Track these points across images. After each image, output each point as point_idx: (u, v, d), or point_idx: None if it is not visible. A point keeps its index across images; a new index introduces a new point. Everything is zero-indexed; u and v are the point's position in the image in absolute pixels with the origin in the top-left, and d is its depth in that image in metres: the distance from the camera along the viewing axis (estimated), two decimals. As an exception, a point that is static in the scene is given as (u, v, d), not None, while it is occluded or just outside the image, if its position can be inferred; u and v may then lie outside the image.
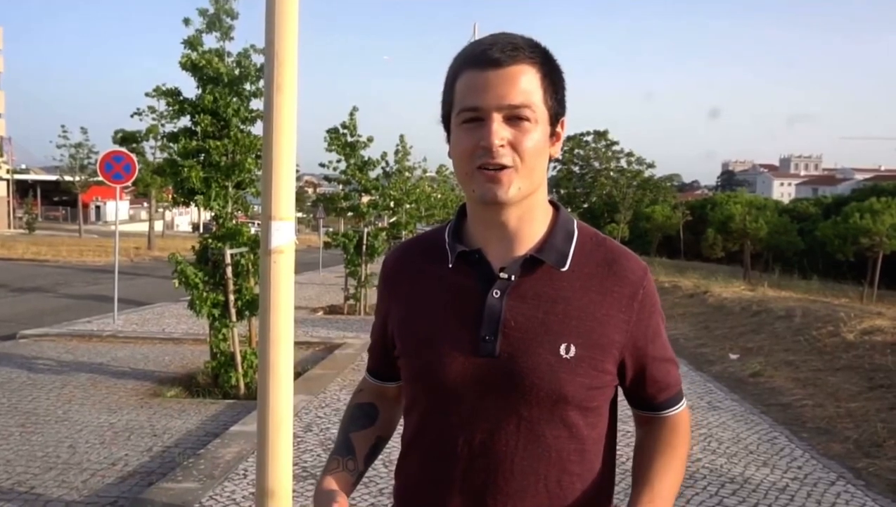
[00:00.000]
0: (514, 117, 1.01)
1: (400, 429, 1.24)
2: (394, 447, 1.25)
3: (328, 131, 11.97)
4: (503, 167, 1.01)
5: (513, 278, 1.07)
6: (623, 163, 59.49)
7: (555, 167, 64.52)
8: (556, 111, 1.07)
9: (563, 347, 1.04)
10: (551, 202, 1.15)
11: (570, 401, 1.05)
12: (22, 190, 53.08)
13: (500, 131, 1.00)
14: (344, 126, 11.98)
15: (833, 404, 6.25)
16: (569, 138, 62.83)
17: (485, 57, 1.02)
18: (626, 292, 1.08)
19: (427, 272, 1.14)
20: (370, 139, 12.31)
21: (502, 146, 1.01)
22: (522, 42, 1.04)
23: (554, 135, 1.08)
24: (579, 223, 1.14)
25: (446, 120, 1.08)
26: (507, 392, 1.05)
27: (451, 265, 1.11)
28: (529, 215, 1.08)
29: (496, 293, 1.06)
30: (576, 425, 1.07)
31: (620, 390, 1.17)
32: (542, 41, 1.08)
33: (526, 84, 1.02)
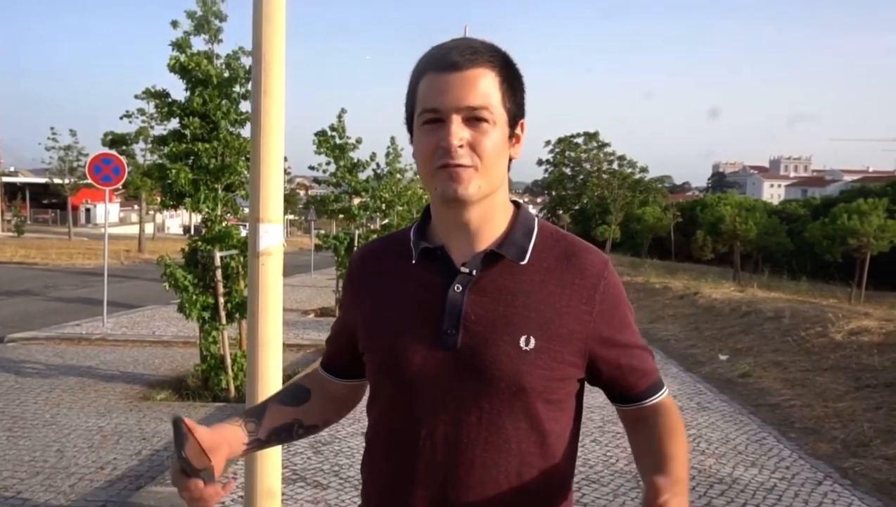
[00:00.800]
0: (473, 119, 1.04)
1: (352, 428, 1.25)
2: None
3: (316, 134, 11.96)
4: (464, 167, 1.05)
5: (474, 272, 1.10)
6: (615, 166, 59.72)
7: (546, 169, 64.72)
8: (515, 113, 1.10)
9: (522, 338, 1.06)
10: (513, 202, 1.18)
11: (531, 393, 1.07)
12: (10, 193, 52.69)
13: (459, 132, 1.04)
14: (332, 128, 11.97)
15: (821, 404, 6.30)
16: (560, 140, 63.05)
17: (445, 60, 1.05)
18: (586, 283, 1.10)
19: (392, 269, 1.17)
20: (359, 141, 12.32)
21: (461, 146, 1.04)
22: (482, 47, 1.07)
23: (513, 137, 1.11)
24: (540, 221, 1.17)
25: (410, 121, 1.11)
26: (468, 385, 1.07)
27: (414, 261, 1.14)
28: (490, 214, 1.11)
29: (457, 288, 1.09)
30: (537, 417, 1.09)
31: (589, 388, 1.18)
32: (502, 46, 1.11)
33: (484, 87, 1.05)
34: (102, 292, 10.44)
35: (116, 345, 8.99)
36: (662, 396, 1.19)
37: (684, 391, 6.96)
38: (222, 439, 1.12)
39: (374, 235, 13.47)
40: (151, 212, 41.54)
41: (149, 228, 39.60)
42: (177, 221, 64.13)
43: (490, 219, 1.12)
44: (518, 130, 1.12)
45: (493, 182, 1.09)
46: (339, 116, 11.98)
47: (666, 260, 36.48)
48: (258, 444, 1.21)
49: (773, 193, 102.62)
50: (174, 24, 6.42)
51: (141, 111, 28.24)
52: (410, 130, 1.12)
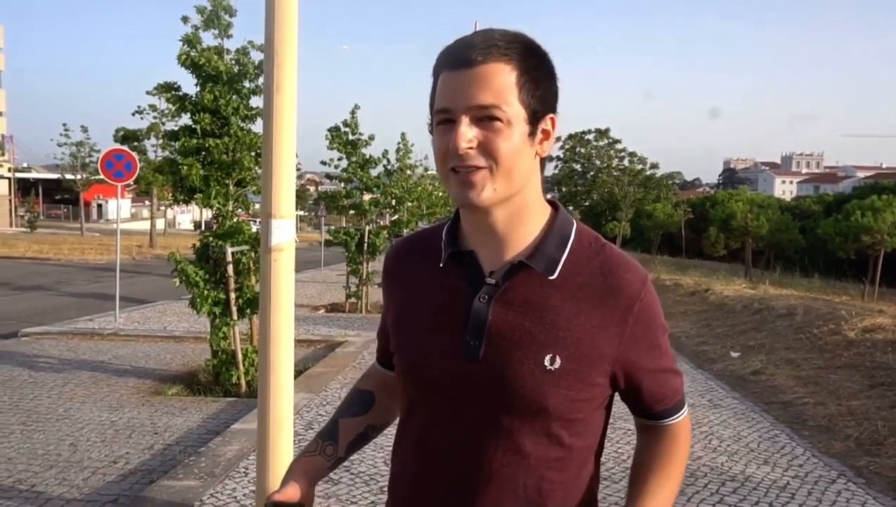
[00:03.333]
0: (485, 118, 0.99)
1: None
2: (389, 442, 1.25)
3: (329, 130, 11.97)
4: (475, 169, 1.00)
5: (500, 283, 1.05)
6: (626, 162, 59.46)
7: (556, 166, 64.53)
8: (536, 109, 1.02)
9: (548, 358, 1.02)
10: (551, 202, 1.12)
11: (553, 413, 1.03)
12: (24, 188, 53.12)
13: (468, 133, 0.98)
14: (345, 124, 11.98)
15: (834, 402, 6.25)
16: (570, 137, 62.83)
17: (457, 57, 1.01)
18: (621, 304, 1.05)
19: (421, 270, 1.14)
20: (371, 137, 12.31)
21: (471, 148, 0.99)
22: (500, 39, 1.01)
23: (537, 133, 1.04)
24: (579, 227, 1.11)
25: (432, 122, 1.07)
26: (488, 399, 1.04)
27: (442, 265, 1.11)
28: (518, 217, 1.06)
29: (483, 298, 1.05)
30: (558, 435, 1.05)
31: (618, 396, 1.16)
32: (530, 34, 1.05)
33: (498, 83, 0.99)
34: (114, 287, 10.50)
35: (128, 340, 9.05)
36: (676, 420, 1.16)
37: (696, 389, 6.92)
38: (309, 484, 1.16)
39: (384, 232, 13.50)
40: (162, 208, 41.75)
41: (160, 224, 39.82)
42: (188, 216, 64.46)
43: (519, 223, 1.06)
44: (545, 126, 1.05)
45: (513, 184, 1.02)
46: (353, 112, 11.98)
47: (676, 257, 36.31)
48: (338, 461, 1.23)
49: (784, 189, 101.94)
50: (184, 19, 6.44)
51: (152, 107, 28.39)
52: (432, 131, 1.07)
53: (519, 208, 1.06)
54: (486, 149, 0.99)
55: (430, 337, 1.09)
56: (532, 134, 1.03)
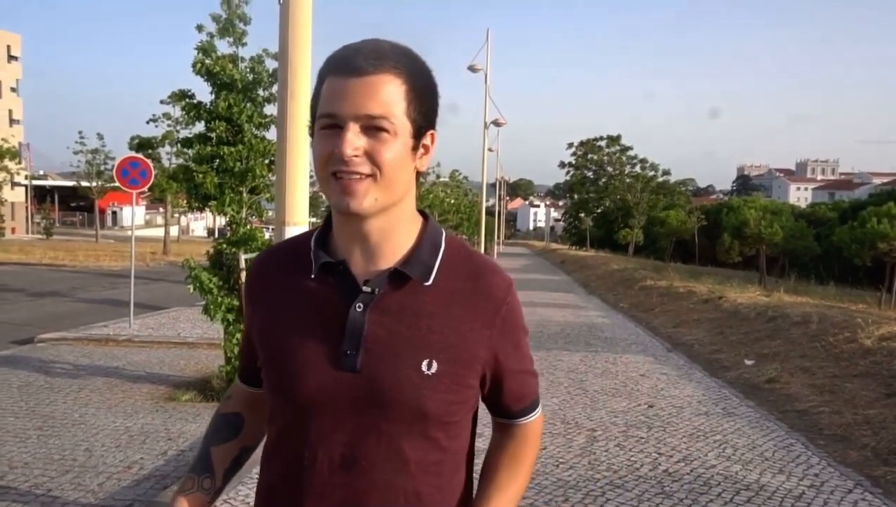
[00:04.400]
0: (372, 127, 0.99)
1: None
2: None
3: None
4: (359, 176, 1.00)
5: (376, 291, 1.05)
6: (637, 169, 59.29)
7: (567, 172, 64.41)
8: (420, 124, 1.04)
9: (425, 363, 1.04)
10: (421, 212, 1.13)
11: (432, 417, 1.05)
12: (40, 195, 53.74)
13: (355, 141, 0.99)
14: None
15: (850, 410, 6.18)
16: (581, 144, 62.77)
17: (348, 64, 1.00)
18: (489, 307, 1.08)
19: (290, 281, 1.12)
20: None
21: (356, 156, 0.99)
22: (391, 51, 1.02)
23: (420, 147, 1.05)
24: (448, 236, 1.13)
25: (313, 124, 1.05)
26: (368, 408, 1.04)
27: (313, 275, 1.09)
28: (393, 228, 1.07)
29: (359, 307, 1.05)
30: (436, 439, 1.07)
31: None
32: (413, 50, 1.06)
33: (387, 95, 0.99)
34: (129, 293, 10.58)
35: (143, 346, 9.11)
36: (530, 419, 1.20)
37: (709, 397, 6.87)
38: None
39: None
40: (176, 215, 42.07)
41: (174, 231, 40.11)
42: (201, 223, 64.90)
43: (393, 233, 1.07)
44: (426, 141, 1.06)
45: (394, 194, 1.03)
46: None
47: (690, 264, 36.10)
48: (218, 492, 1.22)
49: (799, 196, 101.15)
50: (199, 27, 6.51)
51: (167, 115, 28.68)
52: (313, 132, 1.05)
53: (395, 219, 1.07)
54: (371, 158, 1.00)
55: (303, 351, 1.07)
56: (415, 148, 1.05)
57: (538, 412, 1.22)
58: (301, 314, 1.09)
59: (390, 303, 1.06)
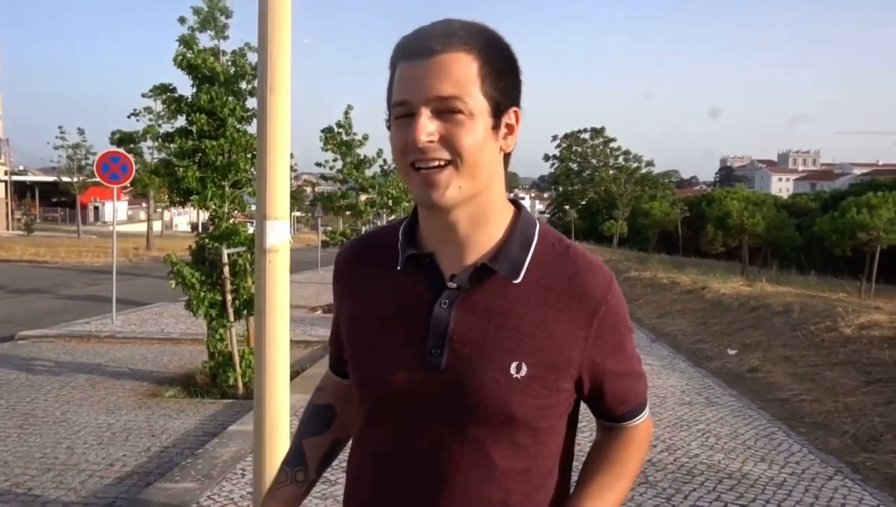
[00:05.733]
0: (446, 110, 0.93)
1: None
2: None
3: (323, 131, 11.99)
4: (438, 165, 0.94)
5: (462, 287, 1.00)
6: (621, 160, 59.57)
7: (553, 165, 64.64)
8: (499, 101, 0.96)
9: (514, 365, 0.97)
10: (513, 201, 1.07)
11: (520, 422, 0.99)
12: (20, 191, 52.98)
13: (428, 126, 0.93)
14: (339, 125, 11.98)
15: (831, 398, 6.26)
16: (566, 136, 62.97)
17: (415, 46, 0.95)
18: (586, 308, 1.00)
19: (377, 273, 1.07)
20: (366, 137, 12.34)
21: (431, 142, 0.93)
22: (460, 28, 0.96)
23: (501, 127, 0.98)
24: (542, 228, 1.06)
25: (389, 116, 1.00)
26: (452, 409, 0.99)
27: (399, 268, 1.04)
28: (482, 218, 1.01)
29: (444, 303, 1.00)
30: (524, 445, 1.01)
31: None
32: (488, 25, 0.99)
33: (459, 73, 0.93)
34: (111, 289, 10.48)
35: (125, 342, 9.04)
36: (636, 422, 1.13)
37: (692, 387, 6.93)
38: None
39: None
40: (159, 210, 41.69)
41: (157, 226, 39.77)
42: (184, 218, 64.34)
43: (482, 223, 1.01)
44: (508, 119, 0.99)
45: (479, 181, 0.97)
46: (346, 113, 12.00)
47: (673, 255, 36.36)
48: (311, 485, 1.20)
49: (781, 187, 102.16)
50: (181, 20, 6.43)
51: (148, 110, 28.38)
52: (389, 125, 1.00)
53: (483, 208, 1.00)
54: (448, 142, 0.94)
55: (388, 345, 1.03)
56: (496, 127, 0.98)
57: (645, 415, 1.14)
58: (386, 308, 1.05)
59: (477, 301, 0.99)
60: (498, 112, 0.97)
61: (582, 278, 1.02)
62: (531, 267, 1.01)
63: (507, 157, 1.03)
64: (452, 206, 0.97)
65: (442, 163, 0.94)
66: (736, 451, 4.96)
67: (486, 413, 0.98)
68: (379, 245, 1.10)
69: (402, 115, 0.96)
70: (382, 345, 1.04)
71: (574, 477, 1.14)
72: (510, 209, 1.05)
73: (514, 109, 1.00)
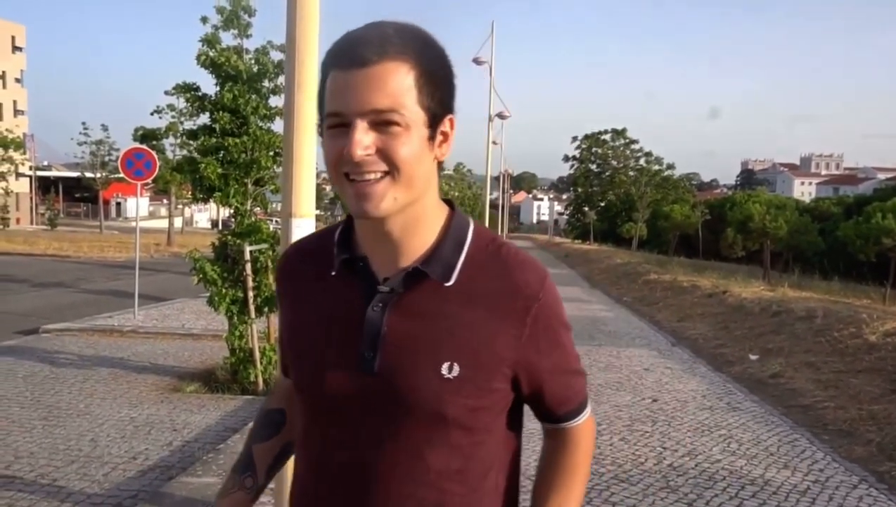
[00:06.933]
0: (382, 123, 0.92)
1: None
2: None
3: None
4: (374, 177, 0.94)
5: (395, 291, 1.01)
6: (642, 162, 59.17)
7: (571, 166, 64.32)
8: (435, 111, 0.96)
9: (445, 366, 0.98)
10: (448, 202, 1.07)
11: (452, 422, 0.99)
12: (44, 187, 53.81)
13: (364, 139, 0.92)
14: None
15: (855, 406, 6.17)
16: (586, 137, 62.61)
17: (349, 55, 0.92)
18: (518, 306, 1.01)
19: (313, 279, 1.08)
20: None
21: (368, 155, 0.92)
22: (395, 35, 0.94)
23: (437, 136, 0.98)
24: (477, 228, 1.06)
25: (322, 121, 0.99)
26: (386, 411, 1.00)
27: (333, 272, 1.05)
28: (415, 224, 1.01)
29: (377, 307, 1.00)
30: (458, 444, 1.01)
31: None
32: (422, 29, 0.98)
33: (395, 85, 0.92)
34: (133, 284, 10.60)
35: (147, 337, 9.13)
36: (577, 422, 1.13)
37: (713, 391, 6.86)
38: None
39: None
40: (180, 206, 42.10)
41: (177, 222, 40.15)
42: (205, 215, 64.97)
43: (415, 228, 1.01)
44: (445, 128, 0.99)
45: (414, 190, 0.97)
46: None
47: (694, 258, 36.04)
48: (260, 490, 1.21)
49: (804, 190, 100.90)
50: (203, 19, 6.49)
51: (171, 107, 28.64)
52: (321, 130, 0.99)
53: (417, 214, 1.01)
54: (384, 155, 0.93)
55: (324, 350, 1.04)
56: (432, 138, 0.97)
57: (586, 414, 1.14)
58: (322, 313, 1.06)
59: (409, 304, 1.01)
60: (434, 122, 0.97)
61: (514, 277, 1.02)
62: (464, 268, 1.02)
63: (440, 163, 1.02)
64: (387, 216, 0.97)
65: (378, 175, 0.94)
66: (758, 457, 4.90)
67: (419, 414, 0.99)
68: (315, 251, 1.11)
69: (335, 125, 0.94)
70: (319, 349, 1.05)
71: (522, 481, 1.14)
72: (444, 212, 1.06)
73: (450, 116, 1.00)
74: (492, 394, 1.02)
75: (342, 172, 0.95)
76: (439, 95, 0.96)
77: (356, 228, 1.06)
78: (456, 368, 0.98)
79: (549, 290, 1.04)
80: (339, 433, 1.03)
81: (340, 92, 0.93)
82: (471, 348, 0.99)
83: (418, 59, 0.94)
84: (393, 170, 0.94)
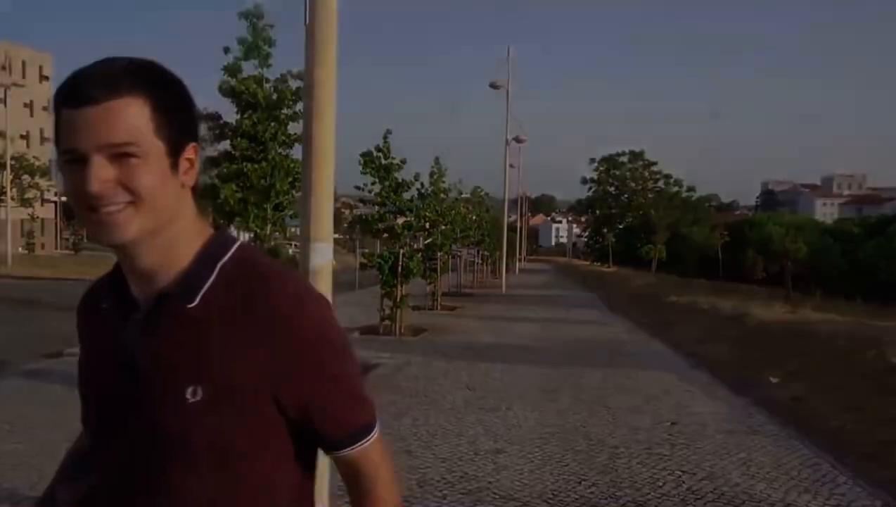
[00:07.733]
0: (120, 155, 0.92)
1: None
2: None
3: (362, 155, 12.15)
4: (117, 208, 0.93)
5: (145, 316, 1.01)
6: (661, 184, 58.99)
7: (590, 188, 64.25)
8: (176, 141, 0.97)
9: (189, 390, 0.97)
10: (216, 224, 1.09)
11: (200, 448, 0.98)
12: (68, 213, 54.79)
13: (102, 173, 0.91)
14: (378, 149, 12.16)
15: (879, 429, 6.07)
16: (604, 159, 62.63)
17: (79, 93, 0.92)
18: (267, 327, 0.98)
19: (95, 316, 1.11)
20: (403, 161, 12.47)
21: (108, 188, 0.92)
22: (123, 70, 0.94)
23: (180, 164, 0.98)
24: (239, 249, 1.05)
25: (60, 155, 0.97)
26: (137, 438, 1.00)
27: (105, 306, 1.08)
28: (168, 249, 1.00)
29: (130, 335, 1.02)
30: (208, 472, 0.99)
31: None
32: (156, 62, 0.99)
33: (129, 121, 0.92)
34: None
35: (168, 360, 9.21)
36: (355, 449, 1.06)
37: (733, 414, 6.79)
38: None
39: (418, 255, 13.58)
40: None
41: (199, 247, 40.57)
42: (225, 240, 65.58)
43: (168, 254, 1.00)
44: (189, 155, 0.99)
45: (160, 217, 0.96)
46: (385, 137, 12.16)
47: (714, 280, 35.74)
48: None
49: (825, 211, 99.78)
50: (226, 50, 6.68)
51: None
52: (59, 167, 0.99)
53: (169, 240, 1.00)
54: (125, 186, 0.93)
55: (95, 381, 1.07)
56: (174, 166, 0.97)
57: (370, 440, 1.07)
58: (96, 347, 1.10)
59: (157, 329, 1.00)
60: (175, 151, 0.97)
61: (264, 297, 0.99)
62: (215, 289, 1.00)
63: (194, 188, 1.03)
64: (133, 243, 0.97)
65: (121, 206, 0.94)
66: (779, 481, 4.84)
67: (165, 440, 0.98)
68: (99, 288, 1.13)
69: (72, 160, 0.94)
70: (90, 382, 1.09)
71: None
72: (204, 235, 1.05)
73: (193, 144, 1.00)
74: (245, 418, 0.99)
75: (85, 205, 0.94)
76: (178, 124, 0.98)
77: (118, 259, 1.06)
78: (200, 391, 0.97)
79: (307, 309, 1.01)
80: (102, 461, 1.06)
81: (74, 129, 0.92)
82: (219, 371, 0.97)
83: (151, 93, 0.95)
84: (136, 199, 0.94)
